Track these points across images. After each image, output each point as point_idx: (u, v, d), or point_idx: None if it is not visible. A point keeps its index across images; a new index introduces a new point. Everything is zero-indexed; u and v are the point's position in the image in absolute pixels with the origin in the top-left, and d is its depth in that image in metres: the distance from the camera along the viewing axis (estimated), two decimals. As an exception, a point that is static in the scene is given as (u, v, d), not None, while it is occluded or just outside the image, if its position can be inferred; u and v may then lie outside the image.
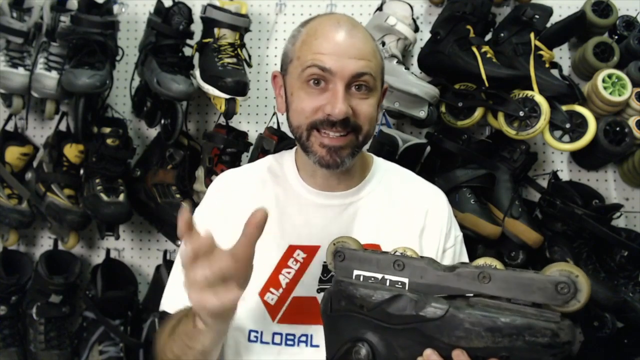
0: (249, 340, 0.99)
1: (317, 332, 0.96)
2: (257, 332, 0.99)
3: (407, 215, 1.05)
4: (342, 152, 0.95)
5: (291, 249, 1.00)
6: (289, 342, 0.98)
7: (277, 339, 0.98)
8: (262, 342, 0.98)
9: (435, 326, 0.71)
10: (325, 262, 0.99)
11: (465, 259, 1.11)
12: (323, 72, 0.92)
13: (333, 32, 0.94)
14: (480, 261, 0.80)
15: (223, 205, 1.05)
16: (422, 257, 0.81)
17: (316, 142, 0.95)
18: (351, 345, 0.79)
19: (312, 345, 0.98)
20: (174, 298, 1.00)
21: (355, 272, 0.80)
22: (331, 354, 0.82)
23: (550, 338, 0.67)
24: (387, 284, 0.78)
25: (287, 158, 1.09)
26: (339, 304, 0.79)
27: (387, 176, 1.10)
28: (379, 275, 0.79)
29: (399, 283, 0.77)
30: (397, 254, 0.81)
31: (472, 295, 0.73)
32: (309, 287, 0.99)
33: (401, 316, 0.74)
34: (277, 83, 1.04)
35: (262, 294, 0.98)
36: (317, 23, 0.98)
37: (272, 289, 0.98)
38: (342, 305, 0.79)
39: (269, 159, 1.12)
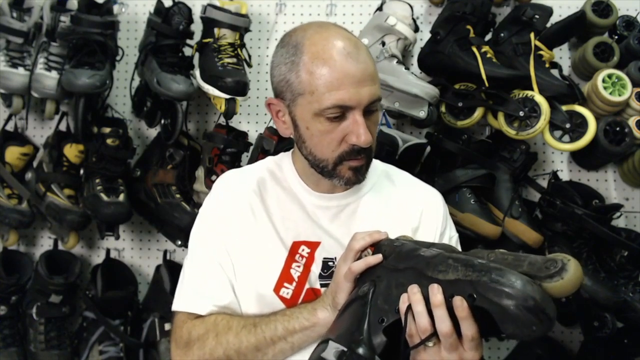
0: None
1: None
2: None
3: (402, 215, 1.07)
4: (363, 170, 1.00)
5: (296, 245, 1.03)
6: None
7: None
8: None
9: (426, 263, 0.78)
10: (325, 258, 1.02)
11: None
12: (342, 109, 0.94)
13: (341, 61, 0.93)
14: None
15: (225, 205, 1.07)
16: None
17: (344, 169, 0.99)
18: (361, 285, 0.87)
19: None
20: (207, 298, 1.01)
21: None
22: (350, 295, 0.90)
23: (516, 289, 0.67)
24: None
25: (286, 161, 1.11)
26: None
27: (384, 177, 1.13)
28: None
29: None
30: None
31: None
32: (315, 280, 1.02)
33: (407, 256, 0.82)
34: (273, 109, 1.04)
35: (276, 290, 1.00)
36: (320, 49, 0.95)
37: (286, 284, 1.01)
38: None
39: (268, 160, 1.14)
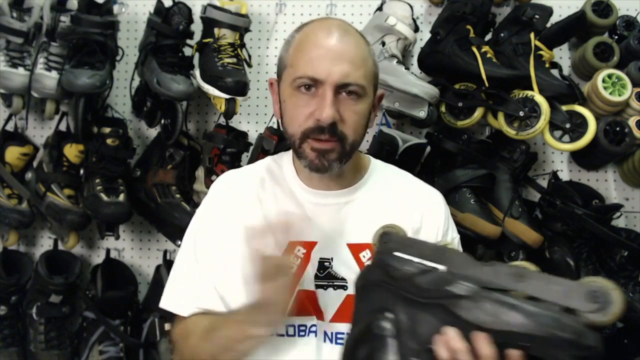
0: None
1: (325, 326, 1.00)
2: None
3: (403, 215, 1.06)
4: (329, 156, 0.97)
5: (291, 245, 1.01)
6: (301, 333, 1.00)
7: (291, 330, 1.01)
8: (277, 334, 1.00)
9: (460, 304, 0.71)
10: (321, 258, 1.02)
11: None
12: (313, 80, 0.95)
13: (324, 39, 0.96)
14: (516, 263, 0.80)
15: (224, 206, 1.07)
16: (462, 251, 0.82)
17: (307, 148, 0.97)
18: (377, 314, 0.78)
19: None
20: (189, 300, 1.03)
21: (395, 253, 0.81)
22: (359, 323, 0.82)
23: (574, 335, 0.65)
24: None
25: (285, 159, 1.11)
26: (373, 274, 0.81)
27: (384, 177, 1.11)
28: (418, 260, 0.79)
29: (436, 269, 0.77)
30: (439, 245, 0.83)
31: (505, 290, 0.72)
32: (309, 281, 1.01)
33: (429, 290, 0.74)
34: (273, 90, 1.07)
35: None
36: (310, 29, 1.00)
37: None
38: (375, 275, 0.80)
39: (267, 160, 1.15)
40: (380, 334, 0.77)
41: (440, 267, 0.77)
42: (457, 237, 1.12)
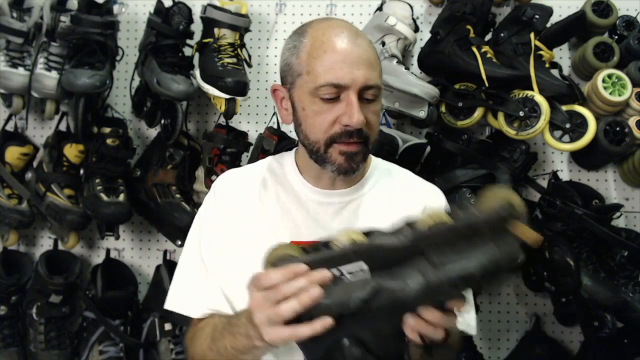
0: None
1: None
2: None
3: (405, 212, 1.05)
4: (356, 158, 0.98)
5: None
6: None
7: None
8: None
9: (413, 298, 0.75)
10: None
11: None
12: (337, 87, 0.94)
13: (339, 43, 0.95)
14: (429, 221, 0.78)
15: (225, 205, 1.06)
16: (366, 233, 0.80)
17: (335, 153, 0.97)
18: (334, 345, 0.78)
19: None
20: (199, 301, 1.03)
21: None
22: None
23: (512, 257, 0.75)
24: (347, 275, 0.77)
25: (287, 159, 1.10)
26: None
27: (385, 174, 1.12)
28: (337, 272, 0.78)
29: (360, 271, 0.77)
30: (340, 245, 0.79)
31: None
32: None
33: (384, 307, 0.75)
34: (278, 96, 1.05)
35: None
36: (320, 33, 0.98)
37: None
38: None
39: (269, 159, 1.14)
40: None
41: (361, 265, 0.77)
42: None
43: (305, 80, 0.97)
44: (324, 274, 0.77)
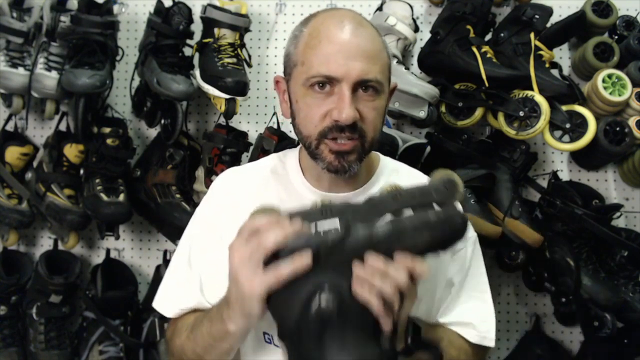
0: (265, 341, 1.00)
1: None
2: (269, 334, 0.99)
3: None
4: (349, 157, 0.92)
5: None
6: None
7: None
8: (274, 344, 0.98)
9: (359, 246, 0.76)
10: None
11: (479, 260, 1.08)
12: (328, 79, 0.90)
13: (337, 33, 0.90)
14: (388, 188, 0.81)
15: (225, 203, 1.04)
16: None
17: (326, 149, 0.93)
18: (310, 295, 0.75)
19: None
20: (174, 301, 1.03)
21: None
22: (287, 317, 0.77)
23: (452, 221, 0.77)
24: (322, 234, 0.76)
25: (291, 158, 1.06)
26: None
27: (394, 176, 1.06)
28: (314, 227, 0.77)
29: (334, 229, 0.76)
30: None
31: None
32: None
33: (356, 246, 0.75)
34: (280, 88, 1.02)
35: None
36: (320, 22, 0.95)
37: None
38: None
39: (272, 157, 1.11)
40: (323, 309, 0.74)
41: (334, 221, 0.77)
42: (474, 235, 1.08)
43: (300, 71, 0.93)
44: (301, 224, 0.75)
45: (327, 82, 0.91)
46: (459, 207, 0.84)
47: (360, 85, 0.91)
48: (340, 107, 0.89)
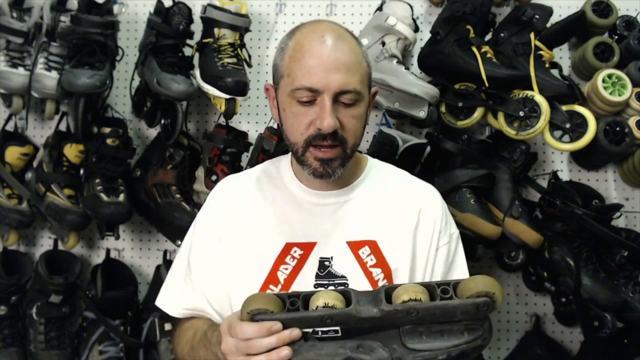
0: None
1: None
2: None
3: (401, 213, 1.07)
4: (333, 164, 0.99)
5: (288, 247, 1.03)
6: None
7: None
8: None
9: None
10: (321, 257, 1.03)
11: (461, 257, 1.12)
12: (311, 91, 0.96)
13: (318, 47, 0.97)
14: (405, 296, 0.80)
15: (223, 206, 1.10)
16: (344, 293, 0.83)
17: (311, 157, 0.99)
18: None
19: None
20: (177, 300, 1.10)
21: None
22: None
23: (481, 347, 0.76)
24: (320, 334, 0.80)
25: (284, 161, 1.13)
26: None
27: (381, 176, 1.13)
28: (310, 330, 0.80)
29: (333, 332, 0.79)
30: (317, 308, 0.81)
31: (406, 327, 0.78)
32: (306, 282, 1.01)
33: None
34: (270, 94, 1.08)
35: (262, 291, 1.01)
36: (303, 36, 1.00)
37: (271, 286, 1.01)
38: None
39: (266, 163, 1.17)
40: None
41: (334, 328, 0.79)
42: (456, 232, 1.12)
43: (285, 82, 1.00)
44: (295, 333, 0.80)
45: (310, 93, 0.96)
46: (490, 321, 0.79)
47: (341, 96, 0.97)
48: (322, 116, 0.95)
